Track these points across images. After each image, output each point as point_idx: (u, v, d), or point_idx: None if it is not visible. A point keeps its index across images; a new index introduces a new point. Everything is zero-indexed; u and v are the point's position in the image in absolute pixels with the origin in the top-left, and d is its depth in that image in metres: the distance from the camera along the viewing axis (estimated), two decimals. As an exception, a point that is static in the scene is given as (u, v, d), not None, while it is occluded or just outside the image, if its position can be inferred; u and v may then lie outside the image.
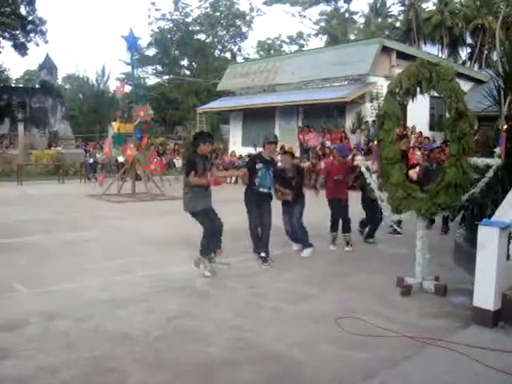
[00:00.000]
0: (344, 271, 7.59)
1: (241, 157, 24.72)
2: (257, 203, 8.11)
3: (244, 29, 47.49)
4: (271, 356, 4.57)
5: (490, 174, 6.13)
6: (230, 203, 10.00)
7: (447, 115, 6.38)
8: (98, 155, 24.24)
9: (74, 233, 10.29)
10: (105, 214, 12.24)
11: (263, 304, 6.03)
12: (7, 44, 37.25)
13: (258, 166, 8.01)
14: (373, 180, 7.06)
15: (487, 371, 4.21)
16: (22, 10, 35.96)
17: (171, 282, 6.89)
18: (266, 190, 8.08)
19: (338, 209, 9.09)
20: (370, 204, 9.16)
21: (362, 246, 9.35)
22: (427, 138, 22.00)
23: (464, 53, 52.78)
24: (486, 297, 5.26)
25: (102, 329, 5.16)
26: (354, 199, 9.69)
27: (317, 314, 5.67)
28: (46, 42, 38.02)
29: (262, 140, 8.42)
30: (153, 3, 45.02)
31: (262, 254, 8.04)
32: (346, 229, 9.09)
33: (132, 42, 17.94)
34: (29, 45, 37.43)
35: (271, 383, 4.13)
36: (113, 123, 18.52)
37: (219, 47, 48.11)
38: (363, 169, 7.20)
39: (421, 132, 22.51)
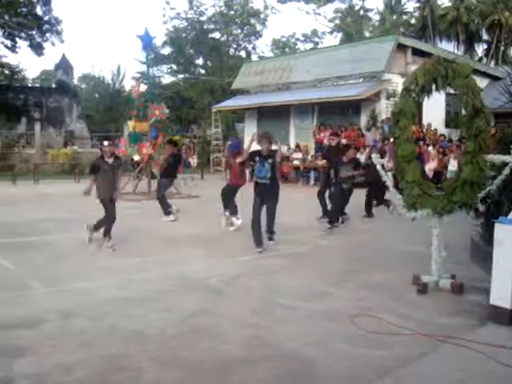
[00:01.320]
0: (359, 269, 7.56)
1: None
2: (259, 194, 8.75)
3: (258, 27, 47.35)
4: (286, 354, 4.57)
5: (507, 171, 6.08)
6: (245, 201, 10.00)
7: (463, 112, 6.33)
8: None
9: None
10: (120, 213, 12.24)
11: (278, 302, 6.03)
12: (24, 44, 37.56)
13: (256, 159, 8.80)
14: (388, 178, 7.03)
15: (503, 369, 4.18)
16: (38, 10, 36.21)
17: (186, 280, 6.91)
18: (263, 181, 8.71)
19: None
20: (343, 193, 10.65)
21: (377, 244, 9.32)
22: (443, 135, 21.89)
23: (480, 49, 52.24)
24: (502, 295, 5.22)
25: (117, 327, 5.19)
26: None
27: (332, 312, 5.66)
28: (62, 41, 38.21)
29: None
30: (167, 2, 45.21)
31: (269, 235, 9.05)
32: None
33: (147, 41, 18.04)
34: (45, 45, 37.67)
35: (286, 381, 4.13)
36: (128, 122, 18.62)
37: (234, 46, 48.03)
38: (378, 166, 7.17)
39: (436, 129, 22.38)
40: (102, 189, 8.97)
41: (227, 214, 10.68)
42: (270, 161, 8.69)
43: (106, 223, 9.10)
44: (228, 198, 10.78)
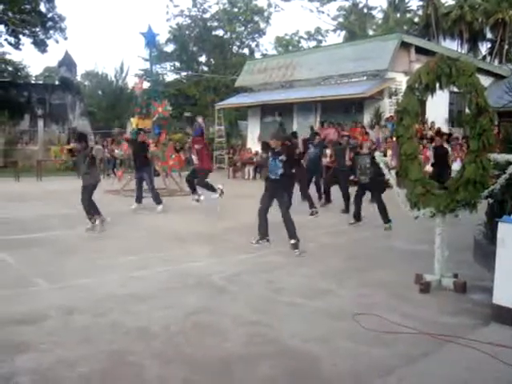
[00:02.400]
0: (362, 267, 7.56)
1: (257, 153, 24.67)
2: (269, 189, 8.85)
3: (262, 25, 47.31)
4: (288, 351, 4.58)
5: (511, 170, 6.07)
6: (248, 198, 10.01)
7: (467, 111, 6.32)
8: (116, 151, 24.31)
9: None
10: (123, 210, 12.30)
11: (280, 299, 6.04)
12: (27, 41, 37.45)
13: (268, 155, 8.91)
14: (392, 176, 7.02)
15: (507, 369, 4.17)
16: (42, 7, 36.10)
17: (189, 278, 6.91)
18: (274, 177, 8.72)
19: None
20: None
21: (379, 242, 9.32)
22: (445, 132, 21.84)
23: (484, 48, 52.13)
24: (506, 294, 5.20)
25: (120, 323, 5.20)
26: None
27: (334, 310, 5.66)
28: (66, 38, 38.17)
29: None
30: (171, 0, 45.16)
31: (292, 242, 8.52)
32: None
33: (150, 39, 18.00)
34: (48, 42, 37.58)
35: (288, 378, 4.13)
36: (131, 119, 18.61)
37: (237, 43, 47.98)
38: (381, 165, 7.16)
39: (440, 128, 22.35)
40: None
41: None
42: (281, 158, 8.62)
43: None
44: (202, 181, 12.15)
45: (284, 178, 8.75)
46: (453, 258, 6.78)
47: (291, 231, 8.54)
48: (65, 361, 4.30)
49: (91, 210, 9.93)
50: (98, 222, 9.96)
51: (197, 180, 12.13)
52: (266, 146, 9.21)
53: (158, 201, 12.54)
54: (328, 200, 13.60)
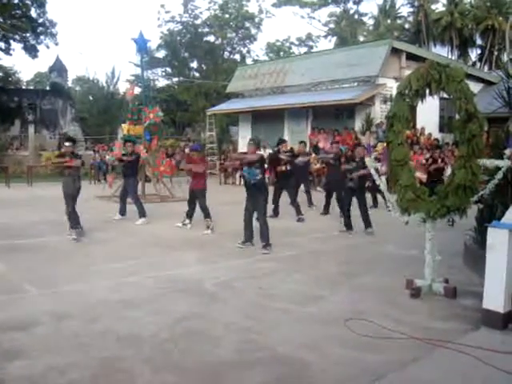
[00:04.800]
0: (353, 273, 7.58)
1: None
2: (249, 194, 9.11)
3: (253, 31, 47.34)
4: (280, 358, 4.57)
5: (500, 175, 6.12)
6: (238, 204, 10.01)
7: (457, 117, 6.36)
8: (107, 157, 24.26)
9: (84, 234, 10.33)
10: (114, 216, 12.27)
11: (272, 305, 6.03)
12: (18, 46, 37.36)
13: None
14: (382, 181, 7.04)
15: (497, 374, 4.19)
16: (33, 13, 36.06)
17: (180, 284, 6.90)
18: (254, 181, 8.93)
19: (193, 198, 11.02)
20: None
21: (370, 248, 9.34)
22: (436, 139, 21.96)
23: (474, 54, 52.51)
24: (495, 299, 5.24)
25: (111, 330, 5.18)
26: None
27: (326, 316, 5.67)
28: (57, 44, 38.12)
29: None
30: (162, 5, 45.16)
31: (263, 243, 8.95)
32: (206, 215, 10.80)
33: (142, 44, 17.99)
34: (39, 47, 37.56)
35: (280, 385, 4.13)
36: (122, 125, 18.55)
37: (228, 49, 48.00)
38: (372, 170, 7.19)
39: (430, 134, 22.46)
40: (63, 184, 9.81)
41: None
42: (257, 165, 8.93)
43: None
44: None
45: (262, 181, 9.03)
46: (443, 262, 6.80)
47: (265, 235, 8.97)
48: (56, 367, 4.28)
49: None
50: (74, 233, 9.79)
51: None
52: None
53: (142, 214, 12.15)
54: (327, 210, 13.50)
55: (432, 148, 18.36)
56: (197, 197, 10.88)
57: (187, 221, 11.17)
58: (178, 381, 4.14)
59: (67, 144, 10.16)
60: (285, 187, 12.77)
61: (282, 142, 13.52)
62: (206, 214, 10.77)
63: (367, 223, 10.72)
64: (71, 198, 9.84)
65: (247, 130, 29.14)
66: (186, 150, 17.18)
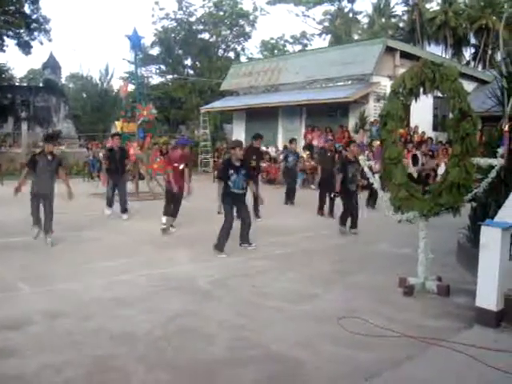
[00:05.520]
0: (346, 271, 7.58)
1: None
2: (233, 202, 8.68)
3: (248, 28, 47.23)
4: (273, 355, 4.58)
5: (493, 174, 6.14)
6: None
7: (451, 115, 6.37)
8: (101, 154, 24.19)
9: (77, 232, 10.30)
10: (107, 211, 12.24)
11: (265, 304, 6.03)
12: (11, 42, 37.12)
13: (230, 172, 8.60)
14: (375, 180, 7.04)
15: (490, 371, 4.21)
16: (26, 9, 35.83)
17: (173, 282, 6.90)
18: (238, 191, 8.65)
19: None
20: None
21: (363, 246, 9.35)
22: (430, 138, 22.00)
23: (468, 53, 52.66)
24: (488, 297, 5.26)
25: (104, 328, 5.17)
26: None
27: (319, 314, 5.67)
28: (50, 40, 37.90)
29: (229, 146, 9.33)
30: (156, 2, 45.11)
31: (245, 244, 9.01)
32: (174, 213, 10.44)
33: (136, 41, 17.94)
34: (33, 43, 37.31)
35: (272, 383, 4.13)
36: (116, 122, 18.51)
37: (223, 47, 47.88)
38: (366, 168, 7.19)
39: (424, 132, 22.50)
40: (37, 185, 9.06)
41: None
42: (243, 171, 8.70)
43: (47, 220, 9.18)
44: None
45: (246, 190, 8.90)
46: (437, 261, 6.83)
47: (244, 233, 8.96)
48: (50, 366, 4.27)
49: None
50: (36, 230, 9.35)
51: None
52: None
53: (125, 208, 12.29)
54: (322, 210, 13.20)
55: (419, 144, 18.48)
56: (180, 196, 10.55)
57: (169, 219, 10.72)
58: (172, 379, 4.14)
59: (46, 143, 9.27)
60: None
61: (257, 137, 12.90)
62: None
63: (354, 224, 10.65)
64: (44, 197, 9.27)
65: (241, 128, 29.12)
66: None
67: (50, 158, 9.08)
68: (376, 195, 13.31)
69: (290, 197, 14.96)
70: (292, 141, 15.89)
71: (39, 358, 4.42)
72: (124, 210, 12.26)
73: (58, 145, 31.17)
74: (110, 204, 12.39)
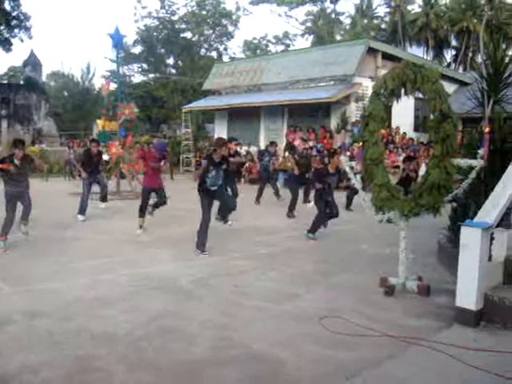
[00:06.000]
0: (328, 271, 7.61)
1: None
2: (210, 197, 8.70)
3: (230, 28, 47.23)
4: (254, 355, 4.58)
5: (473, 175, 6.20)
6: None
7: (431, 116, 6.42)
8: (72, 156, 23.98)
9: (57, 231, 10.22)
10: (88, 213, 12.13)
11: (247, 303, 6.04)
12: (-9, 40, 36.89)
13: (210, 168, 8.53)
14: (357, 180, 7.07)
15: (470, 370, 4.25)
16: (7, 6, 35.48)
17: (155, 281, 6.87)
18: (214, 188, 8.65)
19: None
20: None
21: (345, 246, 9.38)
22: (411, 139, 22.17)
23: (449, 55, 53.19)
24: (468, 297, 5.31)
25: (85, 328, 5.14)
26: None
27: (300, 314, 5.69)
28: (31, 37, 37.58)
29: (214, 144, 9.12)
30: (139, 1, 44.69)
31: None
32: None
33: (117, 40, 17.84)
34: (13, 40, 37.00)
35: (254, 382, 4.14)
36: (98, 121, 18.44)
37: (205, 46, 47.81)
38: (347, 169, 7.22)
39: (405, 133, 22.66)
40: (10, 186, 8.85)
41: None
42: (223, 167, 8.68)
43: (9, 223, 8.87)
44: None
45: (221, 186, 8.95)
46: (417, 261, 6.88)
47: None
48: (29, 366, 4.23)
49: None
50: None
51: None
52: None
53: (104, 196, 12.65)
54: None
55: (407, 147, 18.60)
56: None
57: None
58: (154, 379, 4.13)
59: (16, 149, 8.76)
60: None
61: (231, 140, 12.79)
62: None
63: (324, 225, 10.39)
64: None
65: (223, 128, 29.08)
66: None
67: (19, 162, 8.75)
68: (352, 197, 13.37)
69: (258, 196, 14.95)
70: (272, 143, 15.86)
71: (18, 358, 4.38)
72: (104, 197, 12.48)
73: (39, 142, 31.00)
74: (83, 212, 11.92)
